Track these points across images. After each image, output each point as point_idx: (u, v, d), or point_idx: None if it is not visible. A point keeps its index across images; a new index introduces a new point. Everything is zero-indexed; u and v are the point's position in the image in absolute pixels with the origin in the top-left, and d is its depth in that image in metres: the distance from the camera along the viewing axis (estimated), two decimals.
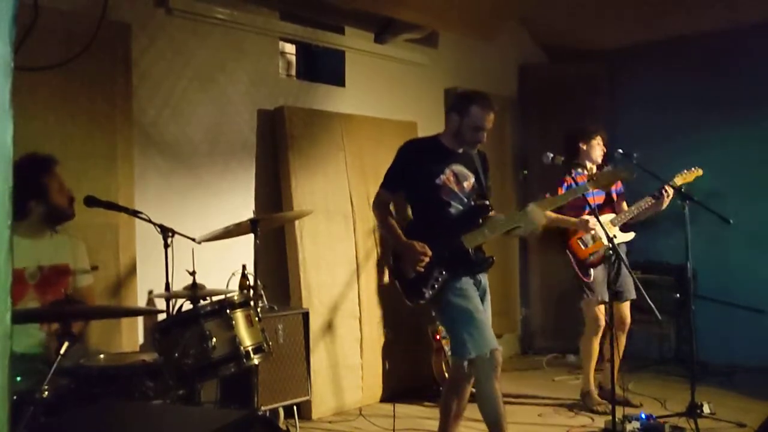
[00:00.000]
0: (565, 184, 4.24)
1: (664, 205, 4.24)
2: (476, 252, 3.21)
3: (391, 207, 3.32)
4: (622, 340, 4.42)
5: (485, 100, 3.21)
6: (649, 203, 4.26)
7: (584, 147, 4.38)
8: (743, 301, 5.23)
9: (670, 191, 4.18)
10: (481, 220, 3.21)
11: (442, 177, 3.17)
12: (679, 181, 4.22)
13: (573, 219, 4.25)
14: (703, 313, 4.89)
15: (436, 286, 3.13)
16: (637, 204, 4.31)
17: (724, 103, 5.68)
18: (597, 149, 4.39)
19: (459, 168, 3.22)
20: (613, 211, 4.40)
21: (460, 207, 3.20)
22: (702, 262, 4.93)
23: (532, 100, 6.44)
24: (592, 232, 4.22)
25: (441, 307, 3.18)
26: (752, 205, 5.42)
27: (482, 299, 3.22)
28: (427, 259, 3.07)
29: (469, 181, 3.24)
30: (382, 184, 3.27)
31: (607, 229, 4.20)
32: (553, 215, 4.26)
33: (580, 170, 4.36)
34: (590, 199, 4.31)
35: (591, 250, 4.25)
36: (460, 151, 3.25)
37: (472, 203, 3.24)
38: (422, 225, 3.20)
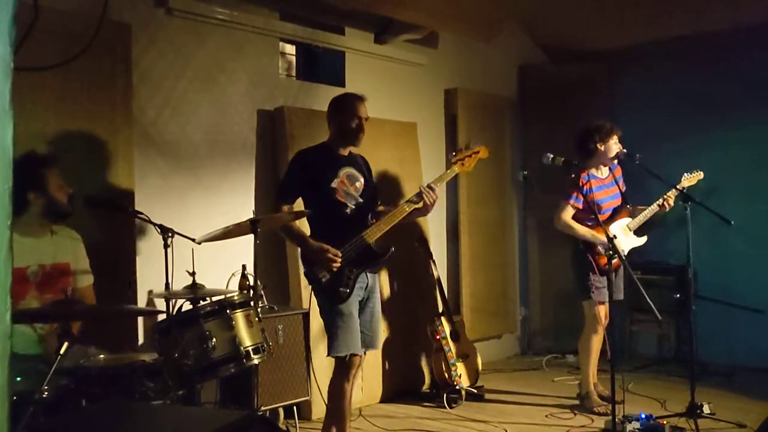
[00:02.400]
0: (584, 187, 4.23)
1: (667, 209, 4.31)
2: (377, 245, 3.40)
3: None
4: (599, 342, 4.43)
5: (357, 95, 3.55)
6: (657, 209, 4.30)
7: (601, 148, 4.32)
8: (743, 301, 5.23)
9: (670, 201, 4.24)
10: (370, 215, 3.47)
11: (336, 180, 3.39)
12: (685, 183, 4.25)
13: (599, 236, 4.17)
14: (704, 314, 4.90)
15: (349, 283, 3.30)
16: (649, 209, 4.32)
17: (725, 104, 5.68)
18: (614, 148, 4.32)
19: (349, 170, 3.46)
20: (629, 214, 4.39)
21: (354, 207, 3.41)
22: (702, 263, 4.93)
23: (532, 101, 6.44)
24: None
25: (320, 306, 3.40)
26: (753, 206, 5.42)
27: (369, 298, 3.42)
28: (339, 260, 3.23)
29: (360, 182, 3.48)
30: (278, 196, 3.46)
31: (623, 233, 4.24)
32: (581, 230, 4.28)
33: (594, 172, 4.36)
34: (607, 203, 4.33)
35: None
36: (347, 154, 3.50)
37: (362, 200, 3.44)
38: (323, 228, 3.37)
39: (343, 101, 3.49)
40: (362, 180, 3.48)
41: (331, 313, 3.32)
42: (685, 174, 4.31)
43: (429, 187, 3.43)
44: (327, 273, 3.26)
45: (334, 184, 3.37)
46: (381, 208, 3.56)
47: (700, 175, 4.32)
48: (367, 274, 3.39)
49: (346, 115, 3.43)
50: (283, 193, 3.44)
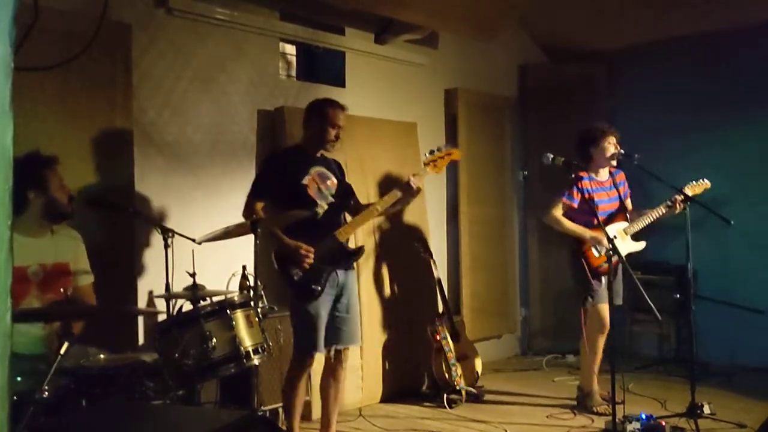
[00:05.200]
0: (580, 186, 4.22)
1: (677, 212, 4.22)
2: (347, 243, 3.51)
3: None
4: (602, 342, 4.42)
5: (338, 102, 3.57)
6: (663, 212, 4.27)
7: (594, 151, 4.35)
8: (743, 301, 5.22)
9: (679, 204, 4.18)
10: (344, 214, 3.56)
11: (307, 178, 3.47)
12: (689, 191, 4.23)
13: (588, 232, 4.23)
14: (704, 314, 4.89)
15: (321, 280, 3.37)
16: (650, 213, 4.31)
17: (725, 104, 5.67)
18: (610, 149, 4.32)
19: (320, 169, 3.54)
20: (626, 219, 4.39)
21: (326, 205, 3.48)
22: (702, 263, 4.93)
23: (532, 101, 6.44)
24: (605, 245, 4.20)
25: (290, 304, 3.47)
26: (753, 206, 5.42)
27: (343, 295, 3.48)
28: (311, 257, 3.30)
29: (332, 180, 3.56)
30: (250, 193, 3.51)
31: (619, 237, 4.22)
32: (569, 225, 4.29)
33: (594, 175, 4.37)
34: (603, 206, 4.32)
35: (604, 258, 4.21)
36: (319, 155, 3.57)
37: (334, 200, 3.51)
38: (296, 226, 3.40)
39: (325, 110, 3.52)
40: (334, 179, 3.56)
41: (299, 312, 3.40)
42: (692, 182, 4.30)
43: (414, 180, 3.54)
44: (299, 271, 3.32)
45: (305, 181, 3.45)
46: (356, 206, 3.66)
47: (707, 184, 4.31)
48: (338, 272, 3.45)
49: (326, 123, 3.49)
50: (255, 190, 3.50)
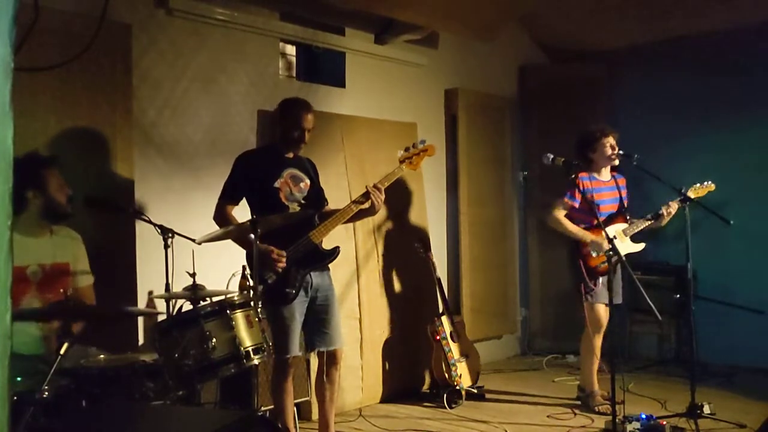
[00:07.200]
0: (581, 187, 4.23)
1: (665, 222, 4.34)
2: (322, 245, 3.46)
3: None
4: (599, 341, 4.43)
5: (306, 103, 3.53)
6: (650, 221, 4.33)
7: (593, 155, 4.39)
8: (743, 301, 5.23)
9: (673, 208, 4.24)
10: (317, 216, 3.48)
11: (280, 180, 3.43)
12: (692, 194, 4.24)
13: (589, 236, 4.25)
14: (704, 314, 4.89)
15: (297, 284, 3.34)
16: (639, 221, 4.36)
17: (725, 104, 5.68)
18: (607, 150, 4.35)
19: (294, 171, 3.50)
20: (626, 220, 4.40)
21: (297, 207, 3.44)
22: (702, 263, 4.92)
23: (532, 101, 6.44)
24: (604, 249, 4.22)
25: (264, 308, 3.34)
26: (753, 206, 5.41)
27: (319, 297, 3.43)
28: (284, 260, 3.27)
29: (306, 182, 3.52)
30: (221, 195, 3.48)
31: (618, 238, 4.24)
32: (570, 227, 4.31)
33: (595, 175, 4.38)
34: (604, 206, 4.33)
35: (602, 259, 4.21)
36: (291, 156, 3.52)
37: (305, 202, 3.48)
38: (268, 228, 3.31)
39: (290, 109, 3.48)
40: (307, 181, 3.52)
41: (274, 316, 3.35)
42: (697, 184, 4.30)
43: (376, 186, 3.45)
44: (273, 274, 3.29)
45: (277, 184, 3.41)
46: (328, 208, 3.61)
47: (712, 187, 4.31)
48: (311, 274, 3.41)
49: (289, 123, 3.45)
50: (225, 192, 3.46)
